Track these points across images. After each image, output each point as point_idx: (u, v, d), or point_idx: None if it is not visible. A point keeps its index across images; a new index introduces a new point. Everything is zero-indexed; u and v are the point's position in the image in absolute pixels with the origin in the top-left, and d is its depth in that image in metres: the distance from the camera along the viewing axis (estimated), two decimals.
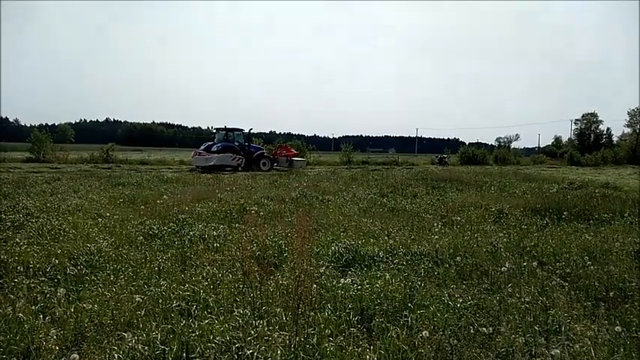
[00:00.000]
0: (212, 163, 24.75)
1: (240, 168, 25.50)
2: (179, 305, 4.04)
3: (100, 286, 4.55)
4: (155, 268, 5.14)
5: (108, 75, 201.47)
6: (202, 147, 26.74)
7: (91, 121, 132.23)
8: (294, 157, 29.32)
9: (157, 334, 3.37)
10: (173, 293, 4.30)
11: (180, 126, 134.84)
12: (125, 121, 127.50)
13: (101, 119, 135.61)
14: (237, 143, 26.57)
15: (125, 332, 3.51)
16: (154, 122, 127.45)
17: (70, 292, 4.42)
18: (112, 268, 5.16)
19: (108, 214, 8.44)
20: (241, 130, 27.67)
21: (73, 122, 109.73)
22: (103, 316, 3.80)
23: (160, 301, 4.11)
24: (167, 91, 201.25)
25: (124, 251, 5.87)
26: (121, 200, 10.53)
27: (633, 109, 59.25)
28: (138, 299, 4.14)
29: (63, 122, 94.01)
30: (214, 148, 25.67)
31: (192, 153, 28.02)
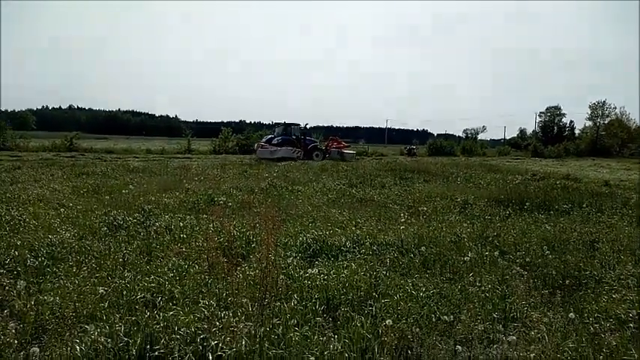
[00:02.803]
0: (277, 155, 26.28)
1: (298, 160, 26.39)
2: (144, 297, 4.01)
3: (61, 278, 4.45)
4: (119, 260, 5.06)
5: (71, 61, 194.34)
6: (264, 140, 28.82)
7: (53, 108, 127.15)
8: (345, 149, 31.06)
9: (121, 326, 3.32)
10: (138, 285, 4.25)
11: (147, 114, 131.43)
12: (90, 109, 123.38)
13: (64, 106, 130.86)
14: (294, 137, 28.37)
15: (87, 325, 3.45)
16: (119, 110, 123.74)
17: (31, 284, 4.31)
18: (74, 259, 5.05)
19: (71, 205, 8.24)
20: (298, 124, 29.68)
21: (35, 109, 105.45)
22: (64, 309, 3.72)
23: (124, 293, 4.06)
24: (133, 78, 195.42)
25: (87, 242, 5.75)
26: (85, 190, 10.28)
27: (594, 103, 61.26)
28: (101, 291, 4.08)
29: (24, 109, 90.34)
30: (275, 142, 27.48)
31: (256, 145, 29.85)
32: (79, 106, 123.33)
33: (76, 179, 12.59)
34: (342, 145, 31.93)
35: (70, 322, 3.55)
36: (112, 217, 7.13)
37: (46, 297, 3.92)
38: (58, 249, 5.36)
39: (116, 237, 6.17)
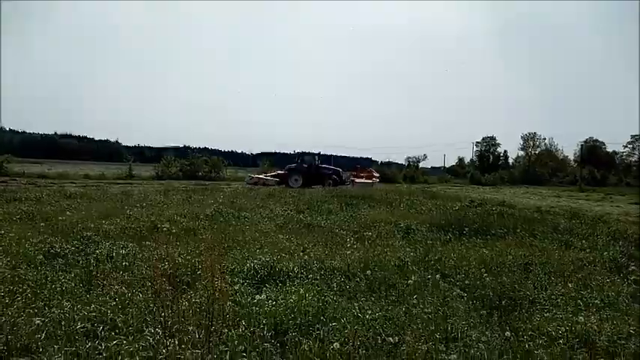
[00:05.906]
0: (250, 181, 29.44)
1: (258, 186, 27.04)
2: (84, 327, 3.85)
3: None
4: (57, 289, 4.83)
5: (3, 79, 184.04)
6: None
7: None
8: (368, 178, 33.56)
9: (60, 356, 3.19)
10: (77, 314, 4.08)
11: (86, 138, 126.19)
12: (24, 131, 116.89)
13: None
14: (305, 165, 30.83)
15: (22, 358, 3.28)
16: (56, 133, 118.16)
17: None
18: (7, 290, 4.77)
19: (2, 232, 7.76)
20: (313, 153, 33.48)
21: None
22: None
23: (62, 323, 3.88)
24: (72, 100, 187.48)
25: (21, 272, 5.44)
26: (18, 217, 9.73)
27: (526, 134, 65.49)
28: (37, 322, 3.88)
29: None
30: (285, 169, 31.18)
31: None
32: (12, 128, 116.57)
33: (7, 205, 11.86)
34: (368, 175, 34.28)
35: (1, 356, 3.35)
36: (48, 245, 6.80)
37: None
38: None
39: (53, 265, 5.89)
